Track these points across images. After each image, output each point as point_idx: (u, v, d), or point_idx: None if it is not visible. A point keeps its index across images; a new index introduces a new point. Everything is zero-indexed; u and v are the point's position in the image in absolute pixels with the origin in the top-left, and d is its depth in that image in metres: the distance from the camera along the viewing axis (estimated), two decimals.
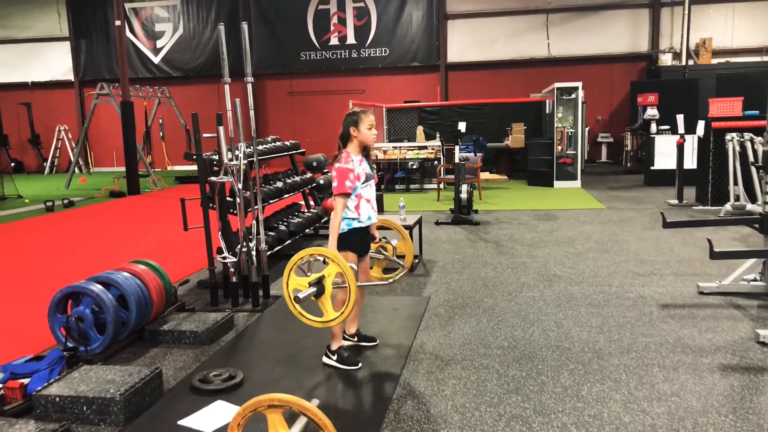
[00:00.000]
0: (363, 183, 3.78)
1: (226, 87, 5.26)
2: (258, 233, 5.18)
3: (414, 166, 13.04)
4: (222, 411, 3.24)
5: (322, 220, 7.62)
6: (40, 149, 21.23)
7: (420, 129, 14.82)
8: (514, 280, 5.69)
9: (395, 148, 13.45)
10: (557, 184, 12.67)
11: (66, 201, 11.96)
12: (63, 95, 21.28)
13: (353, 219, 3.78)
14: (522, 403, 3.29)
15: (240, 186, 4.99)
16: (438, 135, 13.61)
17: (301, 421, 2.49)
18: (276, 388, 3.51)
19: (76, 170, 20.28)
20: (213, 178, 5.14)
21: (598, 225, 8.30)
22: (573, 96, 12.54)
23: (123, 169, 14.31)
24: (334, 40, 19.73)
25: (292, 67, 20.08)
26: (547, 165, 12.88)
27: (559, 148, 12.68)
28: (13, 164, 21.29)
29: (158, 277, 4.44)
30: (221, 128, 5.11)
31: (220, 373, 3.64)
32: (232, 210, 5.70)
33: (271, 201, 6.35)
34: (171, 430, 3.08)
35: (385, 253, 4.27)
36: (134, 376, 3.35)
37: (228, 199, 5.75)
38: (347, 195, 3.69)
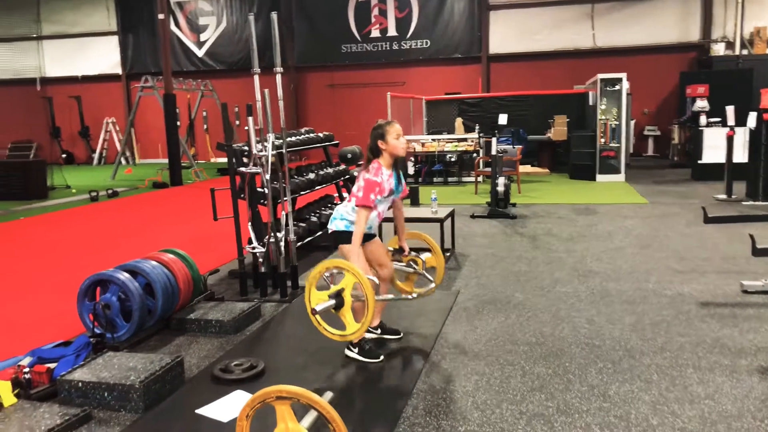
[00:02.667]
0: (384, 197, 3.76)
1: (256, 78, 5.25)
2: (287, 224, 5.17)
3: (452, 159, 12.89)
4: (240, 401, 3.23)
5: None
6: (89, 141, 21.81)
7: (459, 121, 14.66)
8: (547, 275, 5.55)
9: (434, 140, 13.32)
10: (600, 177, 12.36)
11: (110, 191, 12.24)
12: (111, 88, 21.79)
13: (353, 222, 3.75)
14: (545, 401, 3.18)
15: (268, 177, 4.98)
16: (477, 127, 13.41)
17: (312, 414, 2.45)
18: (296, 379, 3.49)
19: (123, 161, 20.80)
20: (242, 169, 5.15)
21: (640, 220, 8.05)
22: (617, 87, 12.18)
23: (167, 160, 14.56)
24: (375, 32, 19.67)
25: (333, 60, 20.10)
26: (589, 158, 12.57)
27: (602, 140, 12.35)
28: (64, 156, 21.98)
29: (186, 267, 4.47)
30: (250, 119, 5.10)
31: (242, 362, 3.63)
32: (262, 201, 5.70)
33: (302, 192, 6.34)
34: (188, 419, 3.08)
35: (416, 267, 4.19)
36: (155, 363, 3.38)
37: (259, 189, 5.76)
38: (370, 208, 3.66)
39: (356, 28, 19.75)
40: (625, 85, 12.49)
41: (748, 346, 3.81)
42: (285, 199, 5.21)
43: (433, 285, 4.11)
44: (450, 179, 12.98)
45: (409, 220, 6.45)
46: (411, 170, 12.91)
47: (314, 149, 7.77)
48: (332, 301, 3.43)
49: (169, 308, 4.24)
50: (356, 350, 3.77)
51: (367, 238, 3.87)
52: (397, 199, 4.00)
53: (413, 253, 4.16)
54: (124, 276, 3.92)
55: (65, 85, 21.94)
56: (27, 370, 3.33)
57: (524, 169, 13.75)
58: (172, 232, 8.33)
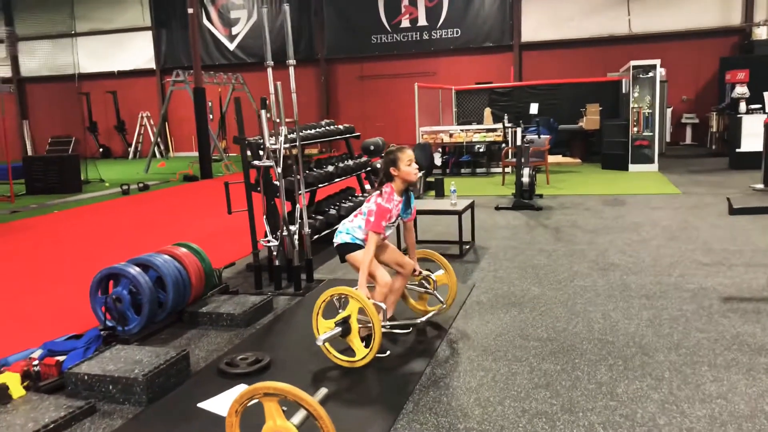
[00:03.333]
0: (390, 223, 3.85)
1: (269, 70, 5.24)
2: (301, 217, 5.17)
3: (480, 149, 12.75)
4: None
5: None
6: (125, 135, 22.25)
7: (488, 111, 14.48)
8: (567, 269, 5.43)
9: (462, 131, 13.18)
10: (632, 167, 12.06)
11: (141, 185, 12.46)
12: (145, 83, 22.17)
13: (360, 239, 3.84)
14: (550, 399, 3.11)
15: (279, 170, 4.98)
16: (505, 117, 13.22)
17: (302, 412, 2.43)
18: (300, 373, 3.49)
19: (157, 155, 21.18)
20: (256, 162, 5.16)
21: (670, 211, 7.82)
22: (650, 75, 11.85)
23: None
24: (405, 22, 19.56)
25: (363, 51, 20.07)
26: (622, 148, 12.28)
27: (635, 129, 12.04)
28: (101, 150, 22.47)
29: (198, 260, 4.50)
30: (263, 112, 5.10)
31: (247, 356, 3.64)
32: (278, 194, 5.71)
33: (320, 185, 6.33)
34: (190, 412, 3.10)
35: (428, 286, 4.18)
36: (161, 357, 3.41)
37: (275, 182, 5.77)
38: (380, 234, 3.73)
39: (386, 19, 19.67)
40: (659, 73, 12.14)
41: None
42: (299, 192, 5.21)
43: (443, 305, 4.16)
44: (478, 170, 12.84)
45: (427, 212, 6.44)
46: (438, 161, 12.81)
47: (337, 141, 7.76)
48: (338, 329, 3.50)
49: (181, 302, 4.28)
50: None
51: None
52: (408, 221, 4.07)
53: (425, 272, 4.14)
54: (134, 270, 3.97)
55: (102, 80, 22.42)
56: (36, 362, 3.39)
57: (554, 159, 13.54)
58: (196, 225, 8.43)
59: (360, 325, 3.55)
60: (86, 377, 3.24)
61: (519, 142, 8.53)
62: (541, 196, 9.36)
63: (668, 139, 17.20)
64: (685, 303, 4.42)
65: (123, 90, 22.22)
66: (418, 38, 19.50)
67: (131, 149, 22.10)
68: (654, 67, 11.82)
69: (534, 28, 18.61)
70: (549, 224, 7.37)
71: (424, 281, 4.21)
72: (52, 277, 6.06)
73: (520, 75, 18.72)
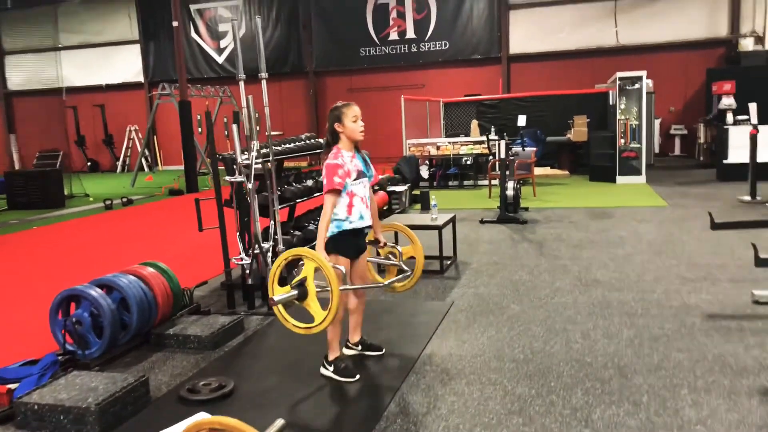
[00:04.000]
0: (354, 180, 3.54)
1: (241, 84, 5.12)
2: (275, 234, 5.04)
3: (468, 162, 12.66)
4: None
5: None
6: (113, 149, 22.06)
7: (474, 123, 14.41)
8: (548, 285, 5.31)
9: (450, 143, 13.08)
10: (620, 179, 11.99)
11: (125, 199, 12.29)
12: (133, 96, 22.03)
13: (343, 220, 3.55)
14: (522, 426, 2.97)
15: (250, 185, 4.86)
16: (492, 129, 13.14)
17: None
18: (264, 400, 3.35)
19: (146, 168, 21.02)
20: (228, 178, 5.04)
21: (656, 224, 7.72)
22: (637, 86, 11.81)
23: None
24: (393, 35, 19.52)
25: (352, 64, 20.01)
26: (609, 159, 12.21)
27: (622, 141, 11.98)
28: (89, 163, 22.29)
29: (166, 280, 4.36)
30: (235, 126, 4.98)
31: (210, 382, 3.49)
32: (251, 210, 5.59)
33: (299, 200, 6.20)
34: None
35: (393, 259, 4.01)
36: (118, 384, 3.26)
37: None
38: (337, 192, 3.47)
39: (374, 31, 19.63)
40: (646, 84, 12.10)
41: (751, 364, 3.54)
42: (273, 208, 5.08)
43: (410, 275, 3.93)
44: (465, 183, 12.74)
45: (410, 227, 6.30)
46: (425, 174, 12.71)
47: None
48: (294, 292, 3.25)
49: (146, 323, 4.13)
50: (331, 369, 3.60)
51: (358, 232, 3.63)
52: (370, 185, 3.73)
53: (390, 245, 3.96)
54: (96, 291, 3.82)
55: (90, 93, 22.26)
56: None
57: (542, 171, 13.48)
58: (174, 241, 8.27)
59: (318, 289, 3.29)
60: (36, 407, 3.08)
61: (503, 155, 8.43)
62: (527, 209, 9.26)
63: (657, 150, 17.17)
64: (667, 321, 4.30)
65: (111, 103, 22.07)
66: (407, 51, 19.46)
67: (119, 163, 21.92)
68: (640, 78, 11.79)
69: (522, 40, 18.60)
70: (533, 238, 7.25)
71: (390, 255, 4.01)
72: (18, 297, 5.88)
73: (508, 87, 18.68)
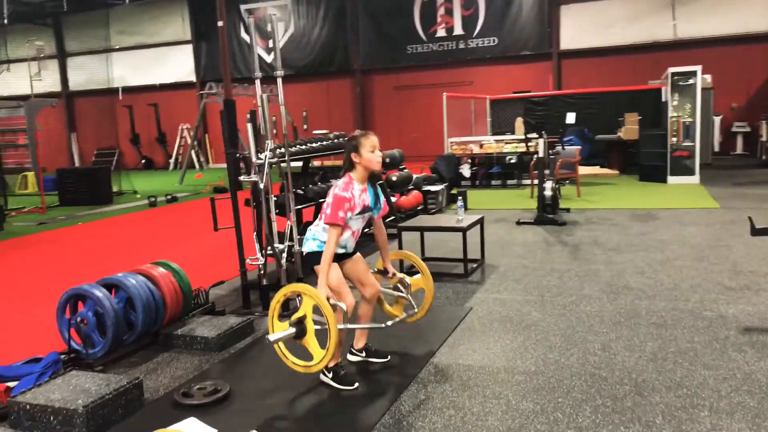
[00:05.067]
0: (357, 214, 3.48)
1: (257, 82, 5.06)
2: (291, 234, 4.95)
3: (512, 161, 12.33)
4: (192, 429, 3.02)
5: (387, 219, 7.28)
6: (166, 147, 22.60)
7: (519, 121, 14.04)
8: (576, 291, 5.05)
9: (495, 141, 12.78)
10: (671, 179, 11.45)
11: (169, 197, 12.51)
12: (185, 96, 22.48)
13: (324, 242, 3.47)
14: None
15: (262, 185, 4.79)
16: (534, 127, 12.76)
17: None
18: (256, 407, 3.27)
19: (197, 166, 21.45)
20: (242, 177, 4.99)
21: (703, 227, 7.30)
22: (691, 82, 11.24)
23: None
24: (441, 32, 19.28)
25: (399, 61, 19.88)
26: (660, 159, 11.67)
27: (674, 139, 11.43)
28: (143, 161, 22.91)
29: (176, 280, 4.33)
30: (249, 126, 4.92)
31: (205, 386, 3.42)
32: (276, 210, 5.53)
33: (321, 200, 6.11)
34: None
35: (403, 290, 3.88)
36: (111, 386, 3.22)
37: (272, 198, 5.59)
38: (340, 227, 3.40)
39: (422, 28, 19.44)
40: (702, 79, 11.52)
41: None
42: (290, 209, 5.00)
43: (416, 311, 3.86)
44: (509, 182, 12.42)
45: (429, 229, 6.14)
46: (467, 173, 12.46)
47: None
48: (292, 330, 3.21)
49: (152, 324, 4.10)
50: (330, 375, 3.48)
51: (344, 257, 3.59)
52: (377, 218, 3.72)
53: (400, 275, 3.83)
54: (100, 291, 3.81)
55: (144, 93, 22.86)
56: None
57: (590, 170, 13.01)
58: (205, 239, 8.31)
59: (317, 327, 3.24)
60: (28, 407, 3.07)
61: (541, 154, 8.13)
62: (568, 210, 8.92)
63: (717, 149, 16.39)
64: (698, 333, 4.00)
65: (164, 102, 22.60)
66: (454, 47, 19.19)
67: (171, 160, 22.43)
68: (694, 73, 11.22)
69: (573, 35, 18.06)
70: (569, 241, 6.95)
71: (399, 284, 3.89)
72: (41, 293, 5.96)
73: (559, 83, 18.18)
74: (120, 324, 3.83)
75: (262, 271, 4.89)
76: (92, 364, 3.75)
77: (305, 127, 20.25)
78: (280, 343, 3.30)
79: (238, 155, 5.33)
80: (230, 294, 5.51)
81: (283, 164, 5.06)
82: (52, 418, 3.03)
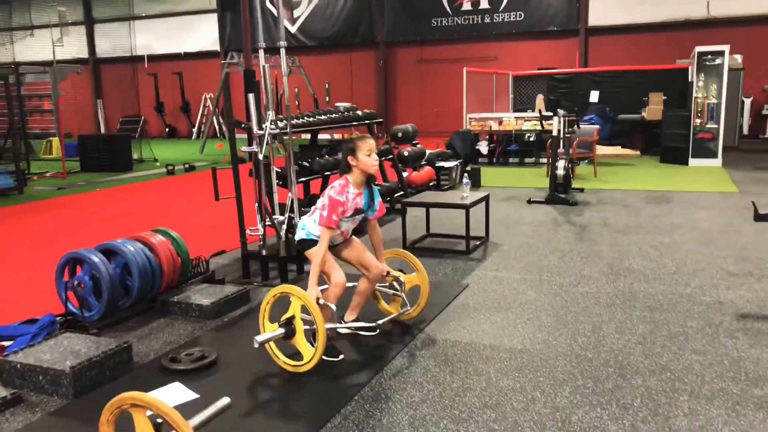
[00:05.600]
0: (348, 217, 3.58)
1: (261, 52, 5.05)
2: (292, 208, 4.98)
3: (531, 138, 12.18)
4: (173, 395, 3.09)
5: (396, 194, 7.28)
6: (189, 116, 22.74)
7: (540, 98, 13.83)
8: (576, 272, 5.01)
9: (515, 118, 12.61)
10: (693, 162, 11.22)
11: (187, 165, 12.62)
12: (210, 65, 22.50)
13: (316, 236, 3.56)
14: (492, 422, 2.79)
15: (261, 156, 4.81)
16: (553, 105, 12.57)
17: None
18: (239, 375, 3.33)
19: (219, 136, 21.57)
20: (243, 148, 5.03)
21: (717, 211, 7.16)
22: (717, 61, 10.93)
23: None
24: (466, 5, 18.97)
25: (424, 35, 19.64)
26: (683, 140, 11.43)
27: (698, 121, 11.17)
28: (167, 129, 23.10)
29: (174, 248, 4.39)
30: (251, 96, 4.93)
31: (193, 352, 3.49)
32: (279, 182, 5.58)
33: (327, 173, 6.12)
34: None
35: (398, 288, 3.89)
36: (100, 348, 3.30)
37: (277, 170, 5.62)
38: (333, 229, 3.49)
39: (447, 1, 19.14)
40: (731, 59, 11.20)
41: None
42: (291, 182, 5.02)
43: (409, 308, 3.90)
44: (527, 160, 12.28)
45: (433, 205, 6.12)
46: (485, 150, 12.35)
47: (357, 127, 7.51)
48: (280, 331, 3.28)
49: (149, 290, 4.18)
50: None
51: (334, 246, 3.69)
52: (373, 219, 3.78)
53: (394, 273, 3.86)
54: (96, 256, 3.89)
55: (169, 61, 22.97)
56: None
57: (611, 150, 12.83)
58: (215, 208, 8.39)
59: (306, 327, 3.33)
60: (19, 366, 3.17)
61: (555, 132, 8.01)
62: (581, 190, 8.81)
63: (746, 131, 16.00)
64: (692, 318, 3.96)
65: (188, 71, 22.68)
66: (480, 21, 18.88)
67: (195, 129, 22.58)
68: (722, 53, 10.90)
69: (602, 11, 17.64)
70: (577, 221, 6.88)
71: (394, 283, 3.93)
72: (47, 256, 6.08)
73: (585, 61, 17.82)
74: (116, 289, 3.91)
75: (262, 242, 4.93)
76: (88, 327, 3.84)
77: (327, 99, 20.18)
78: (272, 344, 3.37)
79: (243, 125, 5.33)
80: (232, 263, 5.57)
81: (285, 136, 5.05)
82: (41, 378, 3.12)
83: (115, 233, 6.71)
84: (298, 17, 20.99)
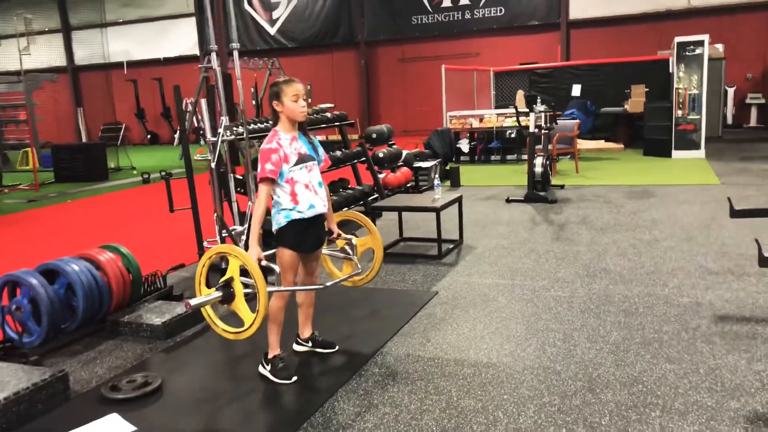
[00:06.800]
0: (294, 165, 3.18)
1: (213, 55, 4.82)
2: (250, 218, 4.76)
3: (512, 135, 11.99)
4: (108, 428, 2.86)
5: (370, 198, 7.06)
6: (170, 122, 22.44)
7: (520, 94, 13.64)
8: (550, 275, 4.81)
9: (496, 115, 12.42)
10: (676, 154, 11.05)
11: (164, 173, 12.33)
12: (189, 69, 22.14)
13: (291, 209, 3.20)
14: None
15: (213, 165, 4.60)
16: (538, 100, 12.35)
17: None
18: (188, 400, 3.11)
19: (201, 141, 21.26)
20: (198, 156, 4.80)
21: (698, 205, 6.98)
22: (698, 51, 10.77)
23: None
24: (446, 2, 18.79)
25: (404, 33, 19.45)
26: (665, 132, 11.26)
27: (680, 112, 11.01)
28: (149, 136, 22.80)
29: (124, 264, 4.16)
30: (203, 101, 4.71)
31: (135, 379, 3.26)
32: (239, 189, 5.36)
33: None
34: None
35: (350, 251, 3.64)
36: (32, 379, 3.06)
37: (238, 177, 5.42)
38: (270, 180, 3.14)
39: None
40: (710, 49, 11.04)
41: (750, 381, 2.99)
42: (252, 189, 4.80)
43: (360, 272, 3.59)
44: (509, 157, 12.09)
45: (404, 209, 5.91)
46: (465, 148, 12.15)
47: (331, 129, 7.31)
48: (217, 294, 3.01)
49: (97, 311, 3.94)
50: (269, 368, 3.30)
51: (309, 222, 3.25)
52: (322, 170, 3.39)
53: (345, 237, 3.57)
54: (34, 278, 3.65)
55: (149, 67, 22.66)
56: None
57: (594, 145, 12.68)
58: (184, 219, 8.16)
59: (247, 291, 3.02)
60: None
61: (532, 129, 7.82)
62: (562, 186, 8.63)
63: (730, 121, 15.88)
64: (668, 322, 3.76)
65: (169, 76, 22.34)
66: (460, 17, 18.69)
67: (176, 135, 22.26)
68: (701, 43, 10.73)
69: (583, 4, 17.48)
70: (556, 220, 6.69)
71: (346, 246, 3.63)
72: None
73: (567, 55, 17.66)
74: (57, 311, 3.68)
75: None
76: (27, 354, 3.60)
77: (309, 100, 19.92)
78: (209, 309, 3.10)
79: (201, 132, 5.11)
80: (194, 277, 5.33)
81: (241, 142, 4.83)
82: None
83: (74, 248, 6.46)
84: (278, 18, 20.74)
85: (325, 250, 3.64)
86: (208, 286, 3.16)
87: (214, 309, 3.16)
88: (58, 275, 3.85)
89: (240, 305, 3.02)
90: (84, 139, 23.88)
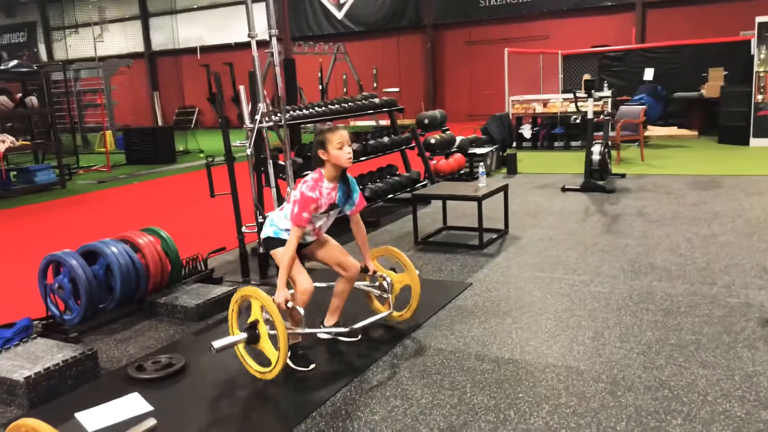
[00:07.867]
0: (322, 213, 3.34)
1: (252, 42, 4.87)
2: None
3: (577, 121, 11.59)
4: (128, 406, 2.96)
5: (417, 184, 6.99)
6: (239, 106, 22.92)
7: (586, 77, 13.12)
8: (591, 269, 4.62)
9: (563, 100, 12.04)
10: (754, 142, 10.40)
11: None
12: (260, 54, 22.61)
13: (282, 230, 3.36)
14: None
15: (249, 151, 4.65)
16: (605, 85, 11.88)
17: None
18: (208, 382, 3.19)
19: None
20: (238, 143, 4.88)
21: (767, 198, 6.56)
22: None
23: None
24: None
25: (472, 15, 19.08)
26: (743, 119, 10.61)
27: (760, 97, 10.34)
28: (220, 120, 23.42)
29: (163, 247, 4.28)
30: (242, 87, 4.77)
31: (160, 359, 3.36)
32: (281, 175, 5.43)
33: None
34: (63, 422, 2.86)
35: (386, 289, 3.65)
36: (63, 356, 3.21)
37: (280, 163, 5.48)
38: (304, 228, 3.27)
39: None
40: None
41: None
42: (291, 175, 4.84)
43: (393, 311, 3.67)
44: (573, 143, 11.70)
45: (444, 197, 5.82)
46: (528, 134, 11.84)
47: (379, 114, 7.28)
48: (241, 336, 3.12)
49: (134, 291, 4.08)
50: (289, 354, 3.33)
51: (306, 245, 3.49)
52: (354, 214, 3.53)
53: (380, 274, 3.64)
54: (74, 259, 3.81)
55: (221, 52, 23.19)
56: None
57: (665, 131, 12.12)
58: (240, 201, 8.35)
59: (274, 332, 3.10)
60: None
61: (590, 115, 7.52)
62: (623, 175, 8.28)
63: None
64: (710, 324, 3.55)
65: (240, 61, 22.81)
66: None
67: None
68: None
69: None
70: (610, 211, 6.43)
71: (383, 282, 3.68)
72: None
73: (642, 37, 16.86)
74: (95, 291, 3.83)
75: (259, 240, 4.78)
76: (67, 330, 3.77)
77: (375, 84, 19.93)
78: (242, 349, 3.21)
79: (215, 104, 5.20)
80: (236, 261, 5.44)
81: (281, 129, 4.87)
82: None
83: (124, 228, 6.74)
84: (345, 3, 20.77)
85: (362, 286, 3.72)
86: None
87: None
88: (99, 256, 4.00)
89: (266, 346, 3.12)
90: (159, 123, 24.80)
